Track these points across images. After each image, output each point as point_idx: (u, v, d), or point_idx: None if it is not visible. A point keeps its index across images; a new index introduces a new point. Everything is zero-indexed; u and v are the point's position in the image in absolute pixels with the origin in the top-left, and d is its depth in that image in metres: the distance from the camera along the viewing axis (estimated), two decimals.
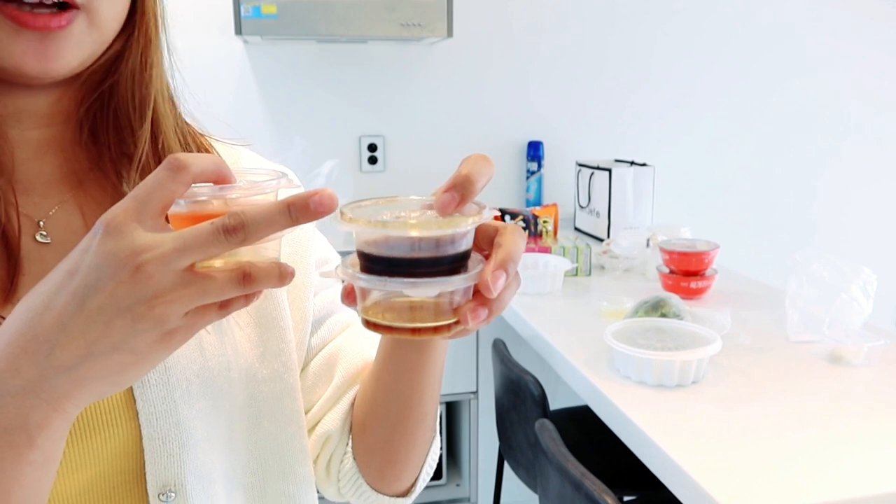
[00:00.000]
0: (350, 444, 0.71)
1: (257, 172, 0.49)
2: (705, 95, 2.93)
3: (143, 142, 0.58)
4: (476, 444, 2.32)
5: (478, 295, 0.46)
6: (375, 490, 0.71)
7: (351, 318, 0.74)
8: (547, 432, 1.41)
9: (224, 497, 0.60)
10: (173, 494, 0.56)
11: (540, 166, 2.81)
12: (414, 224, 0.44)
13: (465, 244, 0.47)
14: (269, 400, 0.63)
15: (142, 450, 0.55)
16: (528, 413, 1.68)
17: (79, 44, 0.52)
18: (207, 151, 0.64)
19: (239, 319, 0.62)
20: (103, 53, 0.56)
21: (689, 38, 2.88)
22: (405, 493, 0.73)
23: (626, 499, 1.66)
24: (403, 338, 0.48)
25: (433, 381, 0.65)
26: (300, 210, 0.41)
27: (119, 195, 0.58)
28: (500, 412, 1.93)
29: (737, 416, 1.27)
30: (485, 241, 0.49)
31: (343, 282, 0.49)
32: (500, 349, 1.88)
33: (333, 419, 0.70)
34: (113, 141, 0.59)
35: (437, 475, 2.37)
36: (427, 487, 2.36)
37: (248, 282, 0.42)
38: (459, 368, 2.28)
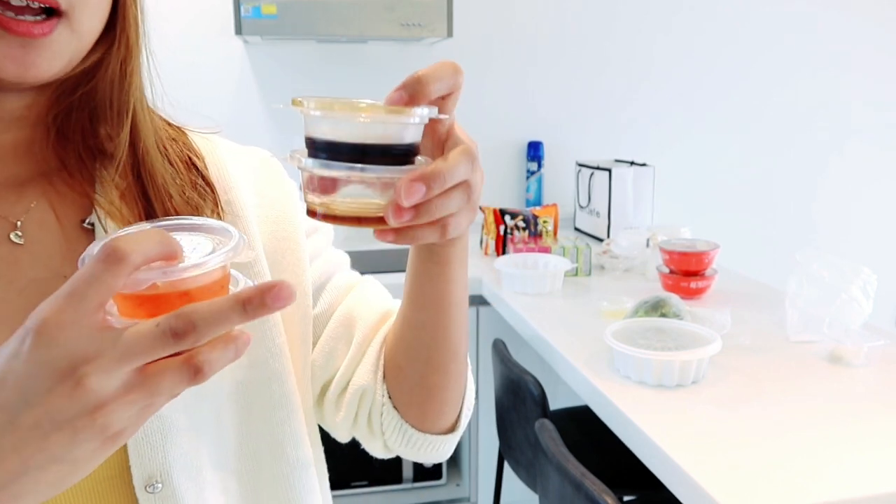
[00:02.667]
0: (385, 394, 0.71)
1: (204, 229, 0.45)
2: (705, 95, 2.93)
3: (122, 149, 0.58)
4: (476, 444, 2.32)
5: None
6: (422, 431, 0.72)
7: (353, 278, 0.75)
8: (547, 432, 1.41)
9: (216, 484, 0.60)
10: (160, 486, 0.56)
11: (540, 166, 2.81)
12: (356, 105, 0.45)
13: (408, 138, 0.47)
14: (255, 386, 0.63)
15: (125, 444, 0.55)
16: (528, 413, 1.68)
17: (59, 52, 0.52)
18: (185, 146, 0.65)
19: None
20: (82, 61, 0.56)
21: (690, 39, 2.88)
22: (451, 429, 0.74)
23: (626, 499, 1.66)
24: (346, 225, 0.48)
25: (458, 302, 0.65)
26: (257, 307, 0.38)
27: (89, 193, 0.58)
28: (500, 412, 1.93)
29: (737, 416, 1.27)
30: (447, 153, 0.50)
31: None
32: (500, 349, 1.88)
33: (363, 373, 0.70)
34: (84, 143, 0.59)
35: (437, 475, 2.37)
36: (427, 487, 2.38)
37: (201, 376, 0.38)
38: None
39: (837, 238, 3.09)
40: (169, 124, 0.65)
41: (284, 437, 0.64)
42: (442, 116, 0.50)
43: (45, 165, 0.59)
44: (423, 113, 0.47)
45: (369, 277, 0.77)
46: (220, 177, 0.65)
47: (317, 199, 0.48)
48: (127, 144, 0.58)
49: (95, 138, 0.59)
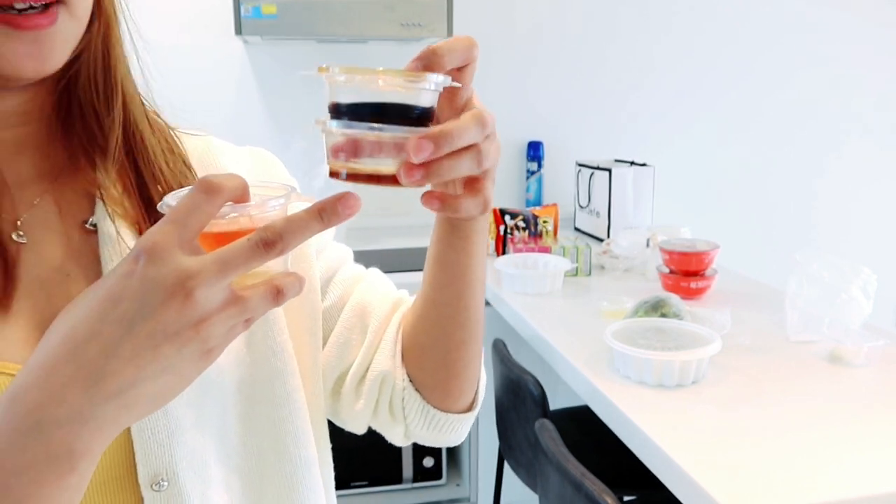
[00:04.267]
0: (406, 378, 0.72)
1: (266, 185, 0.51)
2: (705, 95, 2.93)
3: (115, 132, 0.58)
4: (476, 444, 2.32)
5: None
6: (445, 411, 0.73)
7: (359, 270, 0.76)
8: (547, 432, 1.41)
9: (220, 481, 0.60)
10: (166, 483, 0.56)
11: (540, 166, 2.81)
12: (373, 70, 0.49)
13: (424, 102, 0.51)
14: (259, 384, 0.63)
15: (131, 441, 0.56)
16: (528, 413, 1.68)
17: (66, 39, 0.53)
18: (177, 146, 0.65)
19: None
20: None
21: (690, 39, 2.88)
22: (470, 407, 0.76)
23: (626, 499, 1.66)
24: (365, 183, 0.52)
25: (480, 276, 0.67)
26: (331, 214, 0.43)
27: (92, 189, 0.59)
28: (500, 412, 1.93)
29: (737, 416, 1.27)
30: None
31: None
32: (500, 349, 1.88)
33: (382, 359, 0.71)
34: (84, 133, 0.59)
35: (437, 475, 2.37)
36: (427, 487, 2.38)
37: (281, 297, 0.44)
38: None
39: (837, 238, 3.09)
40: (157, 116, 0.66)
41: (287, 435, 0.64)
42: (455, 84, 0.53)
43: (49, 162, 0.59)
44: (437, 80, 0.50)
45: (374, 269, 0.79)
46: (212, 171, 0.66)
47: (339, 163, 0.51)
48: (120, 126, 0.59)
49: (91, 126, 0.59)
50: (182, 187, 0.60)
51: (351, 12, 2.27)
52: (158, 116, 0.66)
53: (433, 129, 0.49)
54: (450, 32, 2.34)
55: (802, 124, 3.02)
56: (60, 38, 0.52)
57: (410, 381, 0.72)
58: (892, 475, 1.07)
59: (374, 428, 0.76)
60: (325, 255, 0.73)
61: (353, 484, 2.31)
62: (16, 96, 0.56)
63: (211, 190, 0.43)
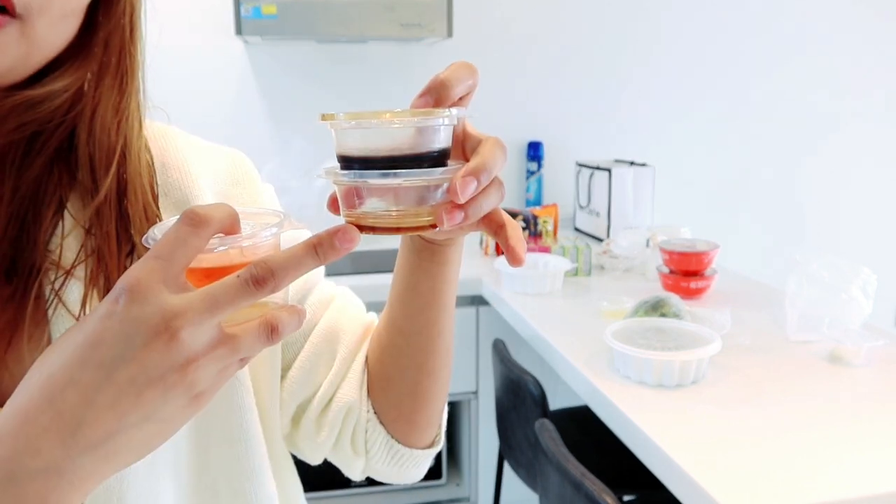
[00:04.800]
0: (371, 409, 0.69)
1: (258, 213, 0.49)
2: (706, 95, 2.93)
3: (106, 188, 0.53)
4: (476, 444, 2.32)
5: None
6: (407, 446, 0.71)
7: (332, 291, 0.73)
8: (547, 432, 1.41)
9: None
10: None
11: (540, 166, 2.81)
12: (385, 112, 0.46)
13: (441, 142, 0.48)
14: (214, 420, 0.60)
15: None
16: (528, 413, 1.68)
17: (3, 50, 0.47)
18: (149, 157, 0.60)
19: None
20: (45, 81, 0.50)
21: (690, 39, 2.88)
22: (432, 443, 0.73)
23: (626, 499, 1.66)
24: (385, 235, 0.49)
25: (451, 305, 0.65)
26: (328, 249, 0.42)
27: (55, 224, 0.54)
28: (500, 412, 1.93)
29: (737, 416, 1.27)
30: (469, 152, 0.50)
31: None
32: (500, 349, 1.88)
33: (349, 389, 0.68)
34: (63, 176, 0.54)
35: (437, 475, 2.37)
36: (427, 487, 2.37)
37: (276, 335, 0.41)
38: (459, 368, 2.28)
39: (838, 238, 3.09)
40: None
41: (242, 473, 0.62)
42: (463, 116, 0.50)
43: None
44: (454, 113, 0.48)
45: (344, 287, 0.75)
46: (182, 182, 0.61)
47: (355, 214, 0.48)
48: (110, 191, 0.54)
49: (78, 174, 0.54)
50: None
51: (351, 12, 2.27)
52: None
53: (469, 165, 0.46)
54: (450, 33, 2.34)
55: (803, 124, 3.02)
56: (2, 43, 0.46)
57: (375, 413, 0.69)
58: (892, 475, 1.07)
59: (331, 461, 0.73)
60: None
61: (352, 484, 2.31)
62: None
63: (198, 222, 0.40)
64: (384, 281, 0.70)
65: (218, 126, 2.47)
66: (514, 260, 0.51)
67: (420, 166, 0.46)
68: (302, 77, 2.62)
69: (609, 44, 2.83)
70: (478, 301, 2.19)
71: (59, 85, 0.51)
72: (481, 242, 2.53)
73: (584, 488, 1.20)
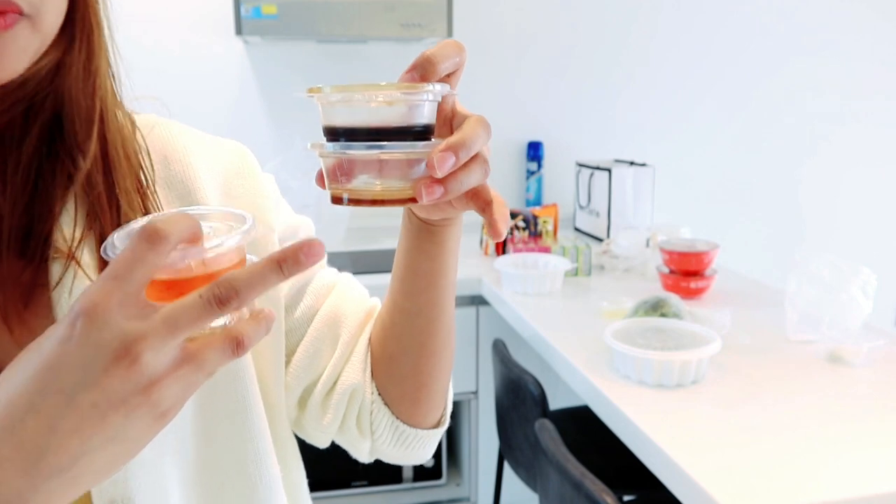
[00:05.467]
0: (375, 391, 0.70)
1: (220, 214, 0.47)
2: (706, 95, 2.93)
3: (90, 155, 0.53)
4: (476, 444, 2.32)
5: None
6: (413, 426, 0.71)
7: (334, 277, 0.73)
8: (547, 432, 1.41)
9: (180, 502, 0.58)
10: None
11: (540, 166, 2.81)
12: (369, 86, 0.47)
13: (424, 117, 0.49)
14: (219, 408, 0.61)
15: None
16: (528, 413, 1.68)
17: (24, 47, 0.48)
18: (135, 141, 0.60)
19: None
20: (38, 61, 0.51)
21: (690, 39, 2.88)
22: (438, 423, 0.74)
23: (626, 499, 1.66)
24: (367, 207, 0.50)
25: (452, 284, 0.66)
26: (293, 264, 0.40)
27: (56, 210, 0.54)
28: (500, 412, 1.93)
29: (737, 416, 1.27)
30: (456, 129, 0.51)
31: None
32: (500, 349, 1.88)
33: (353, 372, 0.69)
34: (48, 152, 0.54)
35: (437, 475, 2.37)
36: (427, 487, 2.38)
37: (241, 348, 0.41)
38: (459, 368, 2.28)
39: (838, 238, 3.09)
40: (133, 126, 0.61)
41: (248, 458, 0.62)
42: (454, 92, 0.51)
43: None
44: (436, 89, 0.49)
45: (347, 274, 0.76)
46: (184, 175, 0.62)
47: (339, 187, 0.49)
48: (96, 155, 0.54)
49: (65, 147, 0.54)
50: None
51: (351, 12, 2.27)
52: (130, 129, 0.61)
53: (449, 140, 0.47)
54: (450, 33, 2.34)
55: (803, 124, 3.02)
56: (17, 46, 0.47)
57: (379, 394, 0.70)
58: (892, 475, 1.07)
59: (338, 443, 0.73)
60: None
61: (353, 484, 2.31)
62: None
63: (156, 239, 0.39)
64: (384, 281, 0.70)
65: (218, 126, 2.45)
66: (494, 234, 0.52)
67: (404, 140, 0.47)
68: (302, 77, 2.62)
69: (609, 44, 2.83)
70: (478, 301, 2.19)
71: (45, 60, 0.51)
72: (481, 242, 2.53)
73: (584, 488, 1.20)
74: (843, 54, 3.00)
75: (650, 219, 2.59)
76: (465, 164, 0.49)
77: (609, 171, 2.54)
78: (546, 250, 2.23)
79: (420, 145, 0.47)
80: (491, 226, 0.52)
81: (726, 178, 2.98)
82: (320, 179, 0.51)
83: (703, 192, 2.96)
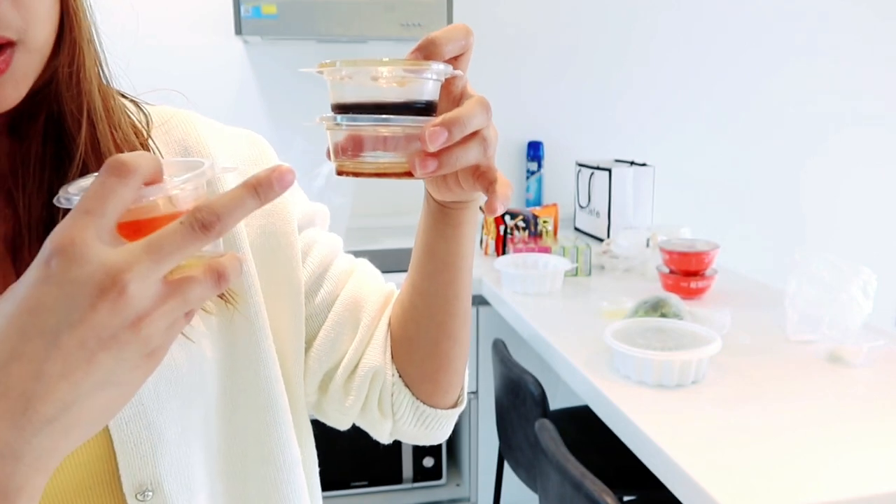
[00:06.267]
0: (396, 373, 0.72)
1: (176, 163, 0.46)
2: (706, 95, 2.93)
3: (81, 147, 0.53)
4: (476, 444, 2.32)
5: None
6: (432, 406, 0.72)
7: (352, 263, 0.75)
8: (547, 432, 1.41)
9: (204, 487, 0.60)
10: (150, 493, 0.55)
11: (540, 166, 2.81)
12: (375, 62, 0.48)
13: (427, 94, 0.51)
14: (243, 391, 0.62)
15: (114, 454, 0.54)
16: (528, 413, 1.68)
17: (23, 76, 0.48)
18: (141, 129, 0.60)
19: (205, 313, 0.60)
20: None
21: (690, 38, 2.88)
22: (456, 403, 0.75)
23: (626, 499, 1.66)
24: (367, 178, 0.52)
25: (468, 266, 0.67)
26: (267, 189, 0.39)
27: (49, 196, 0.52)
28: (499, 412, 1.93)
29: (737, 416, 1.27)
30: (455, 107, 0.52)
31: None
32: (500, 349, 1.88)
33: (373, 354, 0.70)
34: (45, 145, 0.53)
35: (437, 475, 2.37)
36: (427, 487, 2.37)
37: (224, 280, 0.40)
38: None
39: (839, 237, 3.09)
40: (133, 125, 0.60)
41: (271, 439, 0.64)
42: (457, 73, 0.52)
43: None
44: (439, 68, 0.50)
45: (363, 260, 0.78)
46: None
47: (345, 160, 0.51)
48: (88, 151, 0.53)
49: (59, 141, 0.53)
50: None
51: (351, 12, 2.27)
52: (136, 104, 0.61)
53: (444, 116, 0.48)
54: None
55: (803, 124, 3.02)
56: (17, 78, 0.47)
57: (400, 376, 0.72)
58: (892, 475, 1.07)
59: (359, 425, 0.75)
60: (316, 248, 0.71)
61: (353, 484, 2.31)
62: None
63: (124, 171, 0.38)
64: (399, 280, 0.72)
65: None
66: (488, 208, 0.53)
67: (407, 113, 0.49)
68: (302, 77, 2.62)
69: (609, 44, 2.83)
70: (478, 301, 2.19)
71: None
72: (481, 242, 2.53)
73: (584, 488, 1.20)
74: (842, 55, 3.00)
75: (650, 219, 2.59)
76: (462, 141, 0.49)
77: (609, 171, 2.54)
78: (546, 250, 2.23)
79: (420, 120, 0.49)
80: (487, 201, 0.53)
81: (726, 178, 2.98)
82: (328, 153, 0.53)
83: (704, 192, 2.96)
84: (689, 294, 1.95)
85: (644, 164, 2.60)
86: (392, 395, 0.72)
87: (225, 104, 2.57)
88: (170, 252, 0.37)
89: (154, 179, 0.40)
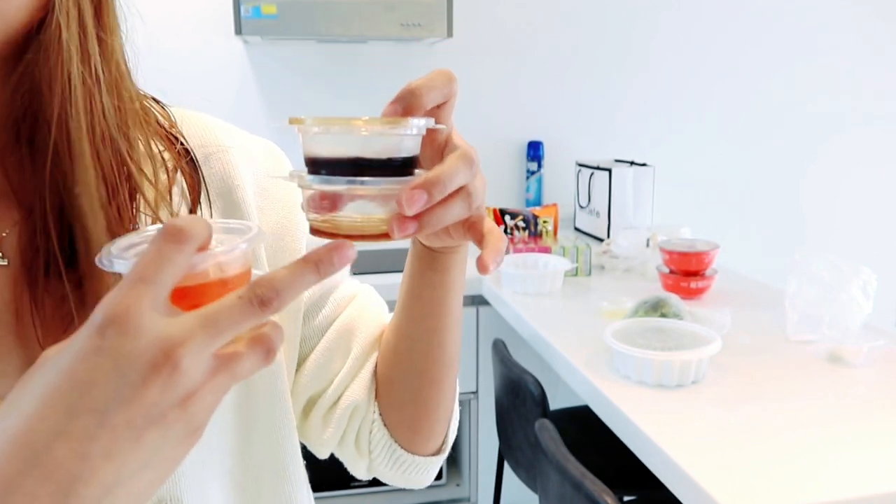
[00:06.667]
0: (377, 411, 0.69)
1: (224, 224, 0.45)
2: (706, 95, 2.93)
3: (49, 143, 0.47)
4: (476, 444, 2.32)
5: None
6: (410, 452, 0.70)
7: (355, 288, 0.73)
8: (547, 432, 1.41)
9: (221, 501, 0.59)
10: None
11: (540, 166, 2.81)
12: (353, 119, 0.45)
13: (406, 151, 0.47)
14: (258, 405, 0.61)
15: None
16: (528, 413, 1.68)
17: None
18: (168, 132, 0.57)
19: None
20: (24, 45, 0.46)
21: (689, 38, 2.88)
22: (438, 451, 0.73)
23: (626, 499, 1.66)
24: (341, 241, 0.47)
25: (456, 312, 0.64)
26: (327, 266, 0.39)
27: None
28: (499, 412, 1.93)
29: (737, 416, 1.27)
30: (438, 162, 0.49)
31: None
32: (500, 349, 1.88)
33: (357, 389, 0.68)
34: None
35: (438, 475, 2.37)
36: (427, 487, 2.37)
37: (272, 354, 0.39)
38: (459, 368, 2.28)
39: (838, 237, 3.09)
40: (157, 121, 0.58)
41: (286, 454, 0.63)
42: (439, 126, 0.49)
43: (19, 176, 0.50)
44: (419, 124, 0.47)
45: (368, 287, 0.75)
46: (224, 171, 0.61)
47: (319, 217, 0.47)
48: (52, 137, 0.47)
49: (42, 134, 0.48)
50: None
51: (351, 12, 2.27)
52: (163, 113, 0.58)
53: (422, 177, 0.45)
54: (449, 33, 2.34)
55: (803, 124, 3.02)
56: None
57: (381, 415, 0.69)
58: (892, 475, 1.07)
59: (337, 456, 0.73)
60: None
61: (353, 484, 2.31)
62: None
63: (182, 238, 0.36)
64: (382, 281, 0.70)
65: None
66: (480, 268, 0.50)
67: (384, 172, 0.46)
68: (302, 77, 2.62)
69: (610, 44, 2.82)
70: (478, 301, 2.19)
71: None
72: None
73: (584, 488, 1.20)
74: (843, 56, 3.00)
75: (650, 219, 2.59)
76: (444, 200, 0.46)
77: (609, 171, 2.54)
78: (546, 250, 2.23)
79: (399, 180, 0.46)
80: (479, 259, 0.50)
81: (726, 178, 2.98)
82: (303, 206, 0.49)
83: (704, 193, 2.96)
84: (689, 294, 1.95)
85: (644, 164, 2.60)
86: (370, 434, 0.69)
87: (224, 104, 2.57)
88: (226, 327, 0.36)
89: (204, 245, 0.39)
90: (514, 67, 2.77)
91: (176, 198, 0.56)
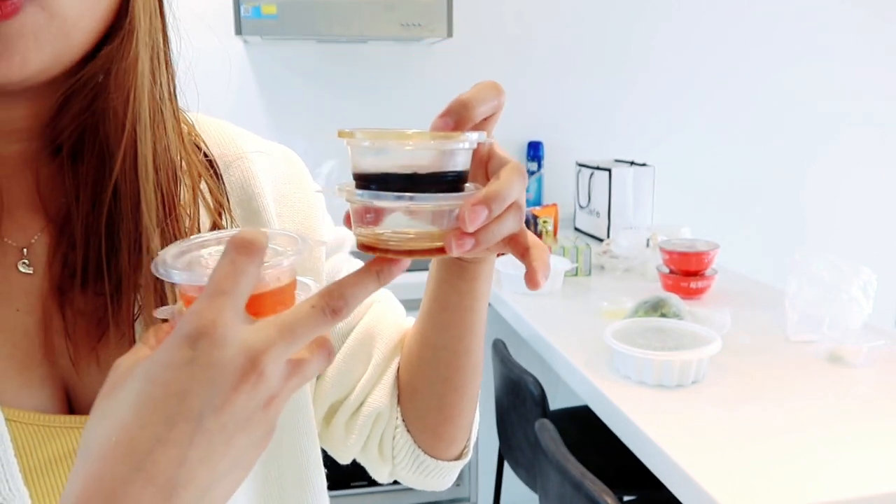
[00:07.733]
0: (400, 417, 0.69)
1: (272, 233, 0.46)
2: (706, 95, 2.93)
3: (118, 163, 0.50)
4: (476, 444, 2.32)
5: None
6: (433, 457, 0.70)
7: (375, 294, 0.71)
8: (547, 432, 1.41)
9: None
10: None
11: (540, 166, 2.81)
12: (403, 133, 0.44)
13: (458, 165, 0.46)
14: (282, 415, 0.61)
15: None
16: (528, 413, 1.68)
17: (39, 37, 0.42)
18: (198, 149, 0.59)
19: None
20: (83, 60, 0.47)
21: (690, 38, 2.88)
22: (460, 456, 0.73)
23: (626, 499, 1.66)
24: (397, 257, 0.46)
25: (481, 320, 0.64)
26: (387, 274, 0.42)
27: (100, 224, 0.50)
28: (500, 412, 1.93)
29: (737, 416, 1.27)
30: (491, 174, 0.49)
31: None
32: (500, 349, 1.88)
33: (380, 396, 0.68)
34: (93, 162, 0.50)
35: None
36: None
37: (332, 355, 0.42)
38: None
39: (839, 237, 3.09)
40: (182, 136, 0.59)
41: (310, 464, 0.63)
42: (490, 140, 0.49)
43: (56, 186, 0.52)
44: (472, 138, 0.45)
45: (387, 292, 0.74)
46: (244, 179, 0.61)
47: (367, 232, 0.46)
48: (130, 161, 0.50)
49: (102, 156, 0.50)
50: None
51: (351, 12, 2.27)
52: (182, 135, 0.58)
53: (482, 193, 0.44)
54: (450, 33, 2.34)
55: (803, 124, 3.02)
56: (29, 35, 0.42)
57: (403, 421, 0.70)
58: (892, 475, 1.07)
59: (360, 462, 0.73)
60: (343, 276, 0.69)
61: (353, 484, 2.31)
62: (15, 108, 0.48)
63: (252, 249, 0.38)
64: (404, 280, 0.70)
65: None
66: (531, 283, 0.49)
67: (436, 186, 0.45)
68: (302, 77, 2.62)
69: (610, 44, 2.82)
70: None
71: (99, 61, 0.49)
72: None
73: (584, 488, 1.20)
74: (842, 56, 3.00)
75: (650, 219, 2.59)
76: (500, 216, 0.46)
77: (609, 171, 2.54)
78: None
79: (451, 197, 0.45)
80: (527, 274, 0.49)
81: (727, 178, 2.98)
82: (347, 221, 0.48)
83: (704, 193, 2.96)
84: (689, 294, 1.95)
85: (644, 164, 2.60)
86: (393, 439, 0.70)
87: (224, 104, 2.57)
88: (302, 335, 0.39)
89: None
90: (514, 67, 2.77)
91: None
